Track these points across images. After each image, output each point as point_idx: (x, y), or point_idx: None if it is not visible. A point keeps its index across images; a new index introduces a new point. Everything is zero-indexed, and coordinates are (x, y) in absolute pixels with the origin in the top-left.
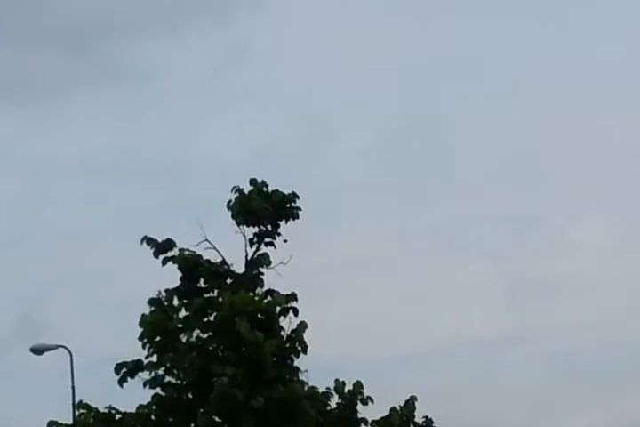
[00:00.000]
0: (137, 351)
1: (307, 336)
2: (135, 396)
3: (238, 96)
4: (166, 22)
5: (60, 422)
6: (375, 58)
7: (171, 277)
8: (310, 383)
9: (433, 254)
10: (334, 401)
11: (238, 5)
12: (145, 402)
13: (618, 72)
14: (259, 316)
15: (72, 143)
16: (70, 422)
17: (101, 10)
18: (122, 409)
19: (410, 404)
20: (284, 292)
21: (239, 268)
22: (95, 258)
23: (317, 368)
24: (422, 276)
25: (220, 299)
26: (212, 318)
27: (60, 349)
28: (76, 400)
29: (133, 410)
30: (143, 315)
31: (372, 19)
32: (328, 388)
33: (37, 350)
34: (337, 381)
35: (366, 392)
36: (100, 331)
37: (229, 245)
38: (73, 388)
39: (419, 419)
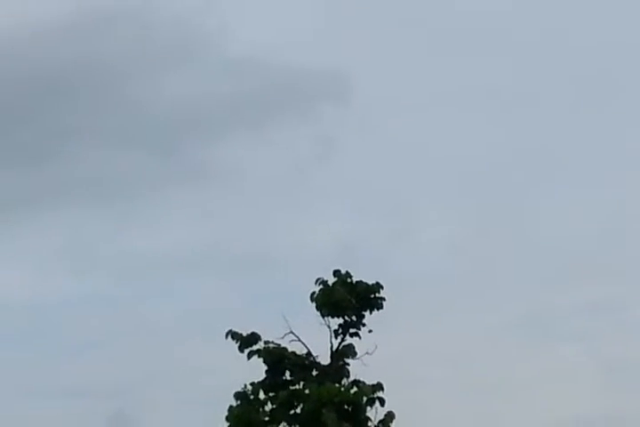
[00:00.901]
0: None
1: None
2: None
3: (322, 191)
4: (250, 119)
5: None
6: (457, 153)
7: (256, 369)
8: None
9: (521, 344)
10: None
11: (322, 100)
12: None
13: None
14: (345, 407)
15: (159, 240)
16: None
17: (185, 108)
18: None
19: None
20: (369, 382)
21: (324, 359)
22: (183, 353)
23: None
24: (512, 365)
25: (307, 391)
26: (298, 411)
27: None
28: None
29: None
30: (230, 408)
31: (451, 115)
32: None
33: None
34: None
35: None
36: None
37: (314, 337)
38: None
39: None
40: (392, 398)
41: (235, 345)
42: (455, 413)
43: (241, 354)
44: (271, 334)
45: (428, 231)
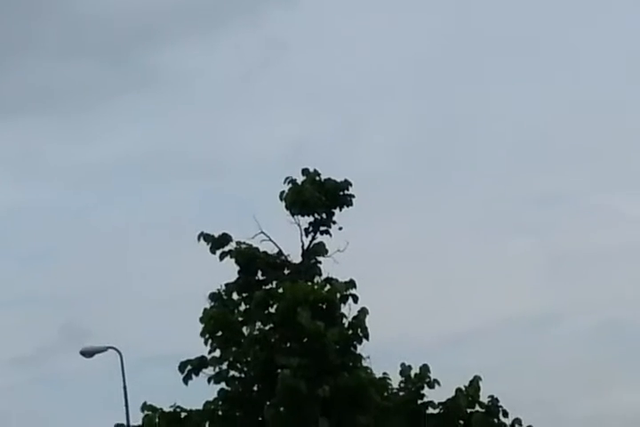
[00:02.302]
0: (189, 349)
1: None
2: (192, 393)
3: (272, 95)
4: (198, 25)
5: (124, 424)
6: (406, 50)
7: (227, 271)
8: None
9: (474, 236)
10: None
11: (270, 3)
12: (210, 398)
13: None
14: (320, 305)
15: (110, 150)
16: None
17: (133, 16)
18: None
19: (474, 384)
20: (341, 279)
21: (296, 258)
22: (145, 258)
23: (374, 353)
24: (466, 257)
25: (280, 290)
26: (272, 310)
27: (110, 350)
28: (128, 400)
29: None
30: (204, 310)
31: (402, 15)
32: (385, 373)
33: (87, 353)
34: (403, 365)
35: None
36: (150, 330)
37: (284, 236)
38: (125, 388)
39: (484, 399)
40: (363, 294)
41: (203, 248)
42: (409, 307)
43: (210, 255)
44: (241, 235)
45: (380, 132)
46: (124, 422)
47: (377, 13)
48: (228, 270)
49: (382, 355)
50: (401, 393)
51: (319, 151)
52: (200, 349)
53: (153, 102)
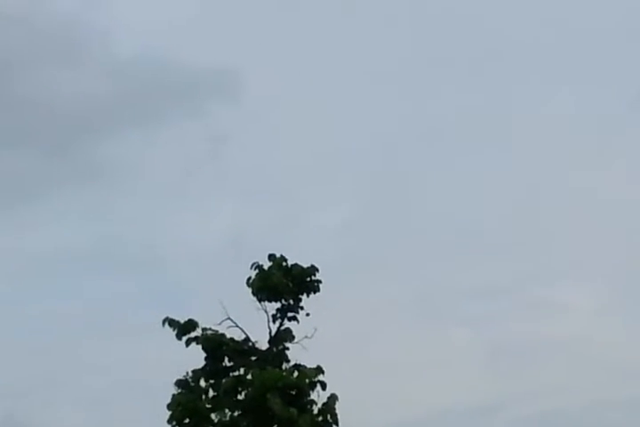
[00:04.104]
0: None
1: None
2: None
3: (213, 187)
4: (139, 118)
5: None
6: (343, 144)
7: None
8: None
9: (412, 324)
10: None
11: (212, 98)
12: None
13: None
14: (289, 391)
15: (47, 241)
16: None
17: (75, 108)
18: None
19: None
20: (308, 365)
21: (263, 344)
22: (95, 348)
23: None
24: (405, 345)
25: (249, 376)
26: (241, 397)
27: None
28: None
29: None
30: (172, 396)
31: (341, 107)
32: None
33: None
34: None
35: None
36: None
37: (248, 322)
38: None
39: None
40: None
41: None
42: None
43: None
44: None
45: (318, 218)
46: None
47: (314, 107)
48: (190, 357)
49: None
50: None
51: (259, 239)
52: None
53: (95, 193)
